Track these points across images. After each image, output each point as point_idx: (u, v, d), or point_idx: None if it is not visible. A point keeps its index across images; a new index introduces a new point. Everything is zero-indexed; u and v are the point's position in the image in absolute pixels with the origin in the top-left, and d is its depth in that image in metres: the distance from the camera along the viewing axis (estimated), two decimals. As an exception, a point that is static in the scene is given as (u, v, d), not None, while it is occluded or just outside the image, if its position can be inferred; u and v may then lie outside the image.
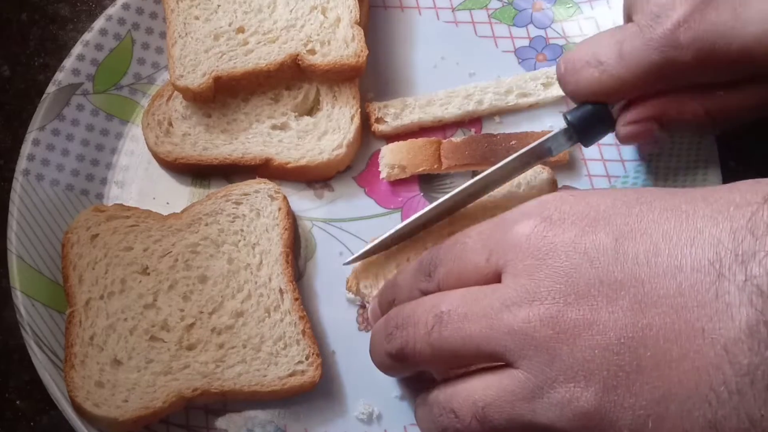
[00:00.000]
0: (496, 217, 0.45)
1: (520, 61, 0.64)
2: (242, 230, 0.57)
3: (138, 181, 0.61)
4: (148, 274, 0.55)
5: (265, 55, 0.59)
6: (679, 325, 0.35)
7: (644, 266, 0.37)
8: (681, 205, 0.38)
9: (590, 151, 0.60)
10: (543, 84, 0.62)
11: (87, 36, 0.62)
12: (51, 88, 0.60)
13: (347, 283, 0.56)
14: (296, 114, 0.61)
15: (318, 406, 0.54)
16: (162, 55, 0.64)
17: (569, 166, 0.60)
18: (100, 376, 0.51)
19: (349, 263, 0.55)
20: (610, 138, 0.55)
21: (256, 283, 0.55)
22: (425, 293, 0.46)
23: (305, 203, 0.60)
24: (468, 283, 0.43)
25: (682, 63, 0.47)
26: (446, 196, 0.54)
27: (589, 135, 0.53)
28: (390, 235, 0.54)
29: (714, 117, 0.51)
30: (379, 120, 0.61)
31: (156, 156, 0.60)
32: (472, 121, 0.62)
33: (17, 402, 0.57)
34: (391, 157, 0.59)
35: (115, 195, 0.60)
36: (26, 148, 0.59)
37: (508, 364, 0.40)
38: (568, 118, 0.53)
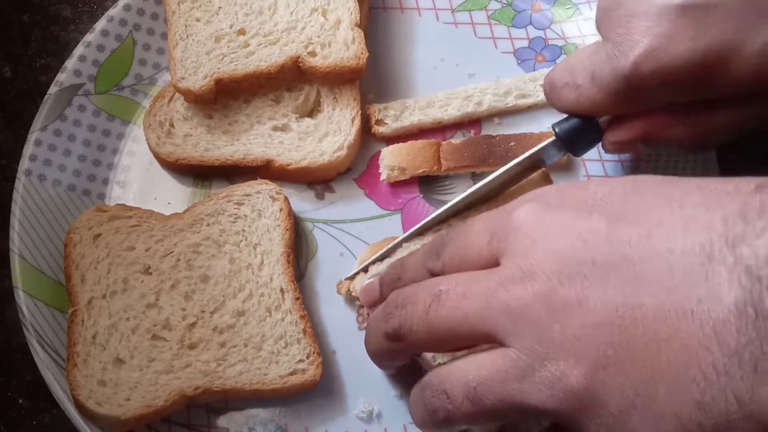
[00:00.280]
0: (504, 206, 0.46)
1: (520, 62, 0.65)
2: (244, 230, 0.57)
3: (139, 181, 0.61)
4: (150, 273, 0.55)
5: (266, 57, 0.60)
6: (668, 305, 0.36)
7: (636, 248, 0.38)
8: (675, 194, 0.39)
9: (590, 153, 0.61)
10: (542, 85, 0.62)
11: (89, 37, 0.62)
12: (53, 89, 0.61)
13: (338, 286, 0.56)
14: (297, 116, 0.61)
15: (318, 405, 0.54)
16: (163, 56, 0.64)
17: (568, 167, 0.61)
18: (103, 375, 0.52)
19: (350, 278, 0.56)
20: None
21: (257, 282, 0.55)
22: (432, 273, 0.46)
23: (306, 204, 0.60)
24: (470, 265, 0.44)
25: (648, 90, 0.49)
26: (441, 209, 0.56)
27: (577, 146, 0.55)
28: (387, 251, 0.56)
29: (698, 136, 0.52)
30: (379, 122, 0.61)
31: (157, 157, 0.61)
32: (471, 122, 0.63)
33: (20, 401, 0.57)
34: (391, 159, 0.59)
35: (116, 195, 0.60)
36: (28, 148, 0.59)
37: (500, 344, 0.40)
38: (556, 130, 0.54)
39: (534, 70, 0.64)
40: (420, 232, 0.56)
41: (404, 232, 0.56)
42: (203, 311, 0.54)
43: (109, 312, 0.54)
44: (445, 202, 0.59)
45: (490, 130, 0.62)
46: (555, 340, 0.38)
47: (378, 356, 0.49)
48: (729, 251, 0.35)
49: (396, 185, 0.60)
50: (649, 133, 0.52)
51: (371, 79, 0.63)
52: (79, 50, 0.62)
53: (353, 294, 0.55)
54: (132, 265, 0.55)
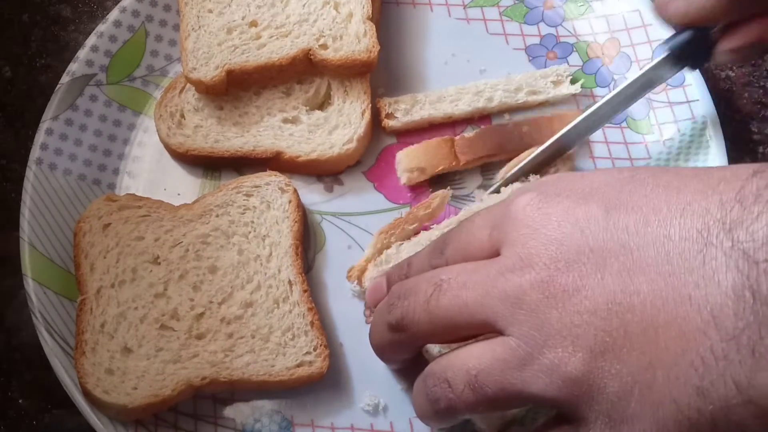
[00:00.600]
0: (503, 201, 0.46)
1: (531, 58, 0.65)
2: (252, 222, 0.57)
3: (149, 172, 0.61)
4: (159, 263, 0.55)
5: (278, 50, 0.60)
6: (666, 291, 0.36)
7: (634, 235, 0.38)
8: (672, 181, 0.39)
9: (598, 150, 0.61)
10: (553, 82, 0.62)
11: (101, 27, 0.63)
12: (65, 79, 0.61)
13: (348, 272, 0.56)
14: (307, 108, 0.61)
15: (325, 397, 0.54)
16: (175, 48, 0.64)
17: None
18: (110, 364, 0.52)
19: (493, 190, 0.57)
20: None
21: (265, 274, 0.55)
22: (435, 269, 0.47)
23: (315, 197, 0.60)
24: (472, 258, 0.44)
25: None
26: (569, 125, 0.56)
27: (690, 59, 0.55)
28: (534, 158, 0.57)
29: None
30: (389, 115, 0.61)
31: (168, 147, 0.61)
32: (481, 117, 0.62)
33: (20, 401, 0.57)
34: (407, 162, 0.59)
35: (126, 185, 0.61)
36: (39, 137, 0.59)
37: (500, 332, 0.40)
38: (669, 45, 0.54)
39: (545, 67, 0.64)
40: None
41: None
42: (211, 302, 0.54)
43: (117, 301, 0.54)
44: (455, 197, 0.59)
45: (500, 126, 0.62)
46: (553, 327, 0.38)
47: (382, 349, 0.49)
48: (726, 236, 0.35)
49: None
50: (765, 37, 0.51)
51: (382, 74, 0.63)
52: (91, 40, 0.62)
53: (364, 287, 0.55)
54: (141, 255, 0.56)
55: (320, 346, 0.53)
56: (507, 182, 0.57)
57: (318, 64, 0.60)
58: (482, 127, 0.62)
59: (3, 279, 0.60)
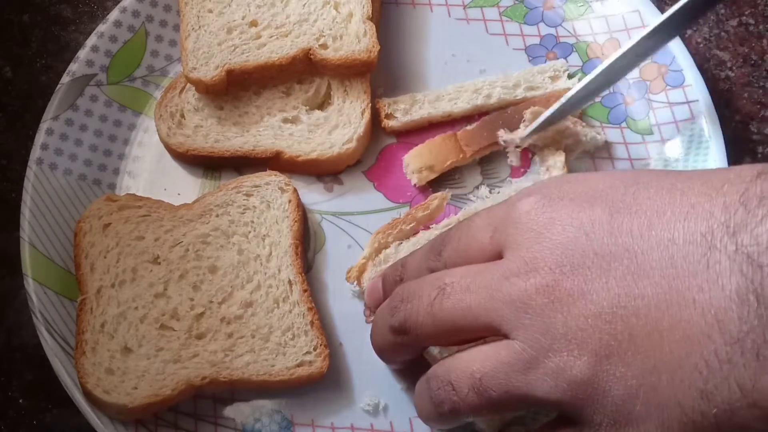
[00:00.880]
0: (503, 202, 0.46)
1: (531, 59, 0.65)
2: (252, 222, 0.57)
3: (150, 172, 0.61)
4: (159, 263, 0.55)
5: (278, 49, 0.60)
6: (670, 295, 0.36)
7: (638, 239, 0.38)
8: (677, 184, 0.39)
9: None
10: (550, 77, 0.63)
11: (101, 27, 0.63)
12: (65, 79, 0.61)
13: (347, 273, 0.56)
14: (307, 108, 0.61)
15: (325, 397, 0.54)
16: (175, 48, 0.64)
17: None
18: (111, 363, 0.52)
19: (526, 138, 0.58)
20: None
21: (265, 274, 0.55)
22: (433, 272, 0.47)
23: (315, 196, 0.60)
24: (473, 260, 0.44)
25: None
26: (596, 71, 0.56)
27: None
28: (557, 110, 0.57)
29: None
30: (388, 116, 0.61)
31: (168, 147, 0.61)
32: (481, 115, 0.62)
33: (20, 401, 0.57)
34: (415, 162, 0.59)
35: (127, 185, 0.61)
36: (40, 137, 0.59)
37: (505, 336, 0.40)
38: None
39: (545, 67, 0.64)
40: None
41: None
42: (211, 302, 0.54)
43: (117, 301, 0.54)
44: (455, 196, 0.59)
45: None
46: (558, 330, 0.38)
47: (384, 350, 0.49)
48: (730, 239, 0.35)
49: (406, 179, 0.60)
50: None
51: (382, 74, 0.63)
52: (91, 41, 0.62)
53: (364, 287, 0.55)
54: (141, 255, 0.56)
55: (320, 345, 0.53)
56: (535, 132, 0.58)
57: (318, 63, 0.60)
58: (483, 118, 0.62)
59: (3, 279, 0.60)
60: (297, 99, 0.61)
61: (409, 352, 0.49)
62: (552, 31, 0.66)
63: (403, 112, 0.61)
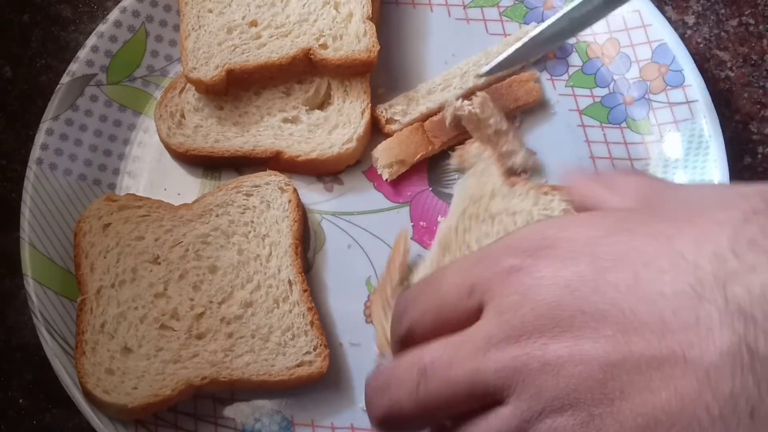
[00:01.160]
0: (477, 251, 0.43)
1: (531, 58, 0.65)
2: (252, 221, 0.57)
3: (150, 172, 0.61)
4: (159, 263, 0.55)
5: (278, 49, 0.60)
6: (660, 351, 0.35)
7: (625, 294, 0.36)
8: (665, 231, 0.38)
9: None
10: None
11: (101, 27, 0.63)
12: (65, 79, 0.61)
13: (365, 311, 0.56)
14: (307, 108, 0.61)
15: (325, 397, 0.54)
16: (175, 48, 0.64)
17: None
18: (111, 364, 0.52)
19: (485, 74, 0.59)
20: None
21: (265, 274, 0.55)
22: (402, 342, 0.44)
23: (315, 196, 0.60)
24: (446, 320, 0.41)
25: None
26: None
27: None
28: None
29: None
30: (389, 120, 0.61)
31: (168, 147, 0.61)
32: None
33: (20, 401, 0.57)
34: (386, 157, 0.59)
35: (127, 185, 0.61)
36: (40, 137, 0.59)
37: (496, 403, 0.39)
38: None
39: (544, 68, 0.64)
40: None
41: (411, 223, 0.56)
42: (211, 302, 0.54)
43: (117, 301, 0.54)
44: (453, 196, 0.59)
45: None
46: (550, 394, 0.37)
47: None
48: (719, 292, 0.34)
49: (405, 178, 0.60)
50: None
51: (382, 74, 0.63)
52: (91, 41, 0.62)
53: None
54: (141, 255, 0.56)
55: (320, 345, 0.53)
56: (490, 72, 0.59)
57: (318, 63, 0.60)
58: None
59: (3, 279, 0.60)
60: (297, 99, 0.61)
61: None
62: (552, 30, 0.66)
63: (402, 113, 0.61)
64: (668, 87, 0.61)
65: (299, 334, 0.54)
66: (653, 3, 0.64)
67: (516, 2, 0.66)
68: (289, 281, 0.55)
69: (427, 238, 0.59)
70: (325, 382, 0.53)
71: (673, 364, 0.34)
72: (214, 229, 0.57)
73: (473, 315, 0.40)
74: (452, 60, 0.64)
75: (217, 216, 0.57)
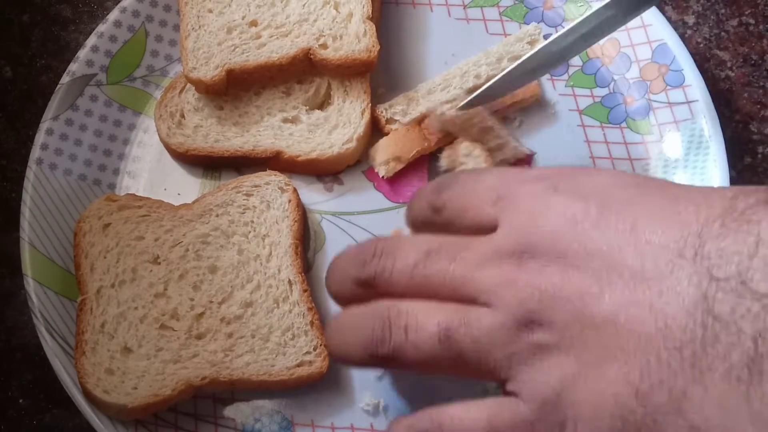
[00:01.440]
0: (514, 169, 0.47)
1: (531, 58, 0.65)
2: (252, 221, 0.57)
3: (150, 172, 0.61)
4: (159, 263, 0.55)
5: (278, 49, 0.60)
6: (633, 294, 0.38)
7: (619, 235, 0.39)
8: (675, 191, 0.41)
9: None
10: (528, 43, 0.63)
11: (101, 27, 0.63)
12: (65, 79, 0.61)
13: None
14: (307, 108, 0.61)
15: (325, 397, 0.54)
16: (175, 48, 0.64)
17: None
18: (111, 364, 0.52)
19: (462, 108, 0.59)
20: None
21: (265, 274, 0.55)
22: (434, 208, 0.47)
23: (315, 196, 0.60)
24: (468, 213, 0.45)
25: None
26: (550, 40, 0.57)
27: None
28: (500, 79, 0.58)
29: None
30: (389, 120, 0.61)
31: (168, 147, 0.61)
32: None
33: (20, 400, 0.57)
34: (382, 154, 0.59)
35: (127, 185, 0.61)
36: (39, 137, 0.59)
37: (474, 299, 0.42)
38: None
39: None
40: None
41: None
42: (211, 302, 0.54)
43: (117, 301, 0.54)
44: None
45: (510, 129, 0.62)
46: (529, 306, 0.40)
47: (341, 298, 0.48)
48: (697, 250, 0.37)
49: (405, 178, 0.60)
50: None
51: (382, 74, 0.63)
52: (91, 41, 0.62)
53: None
54: (141, 255, 0.56)
55: (320, 345, 0.53)
56: (469, 105, 0.59)
57: (318, 63, 0.60)
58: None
59: (3, 279, 0.60)
60: (297, 99, 0.61)
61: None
62: (552, 31, 0.65)
63: (401, 113, 0.61)
64: (668, 87, 0.61)
65: (299, 334, 0.54)
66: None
67: (516, 2, 0.66)
68: (289, 281, 0.55)
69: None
70: (325, 382, 0.53)
71: (640, 308, 0.38)
72: (214, 229, 0.57)
73: (490, 223, 0.43)
74: (452, 60, 0.64)
75: (217, 216, 0.57)
